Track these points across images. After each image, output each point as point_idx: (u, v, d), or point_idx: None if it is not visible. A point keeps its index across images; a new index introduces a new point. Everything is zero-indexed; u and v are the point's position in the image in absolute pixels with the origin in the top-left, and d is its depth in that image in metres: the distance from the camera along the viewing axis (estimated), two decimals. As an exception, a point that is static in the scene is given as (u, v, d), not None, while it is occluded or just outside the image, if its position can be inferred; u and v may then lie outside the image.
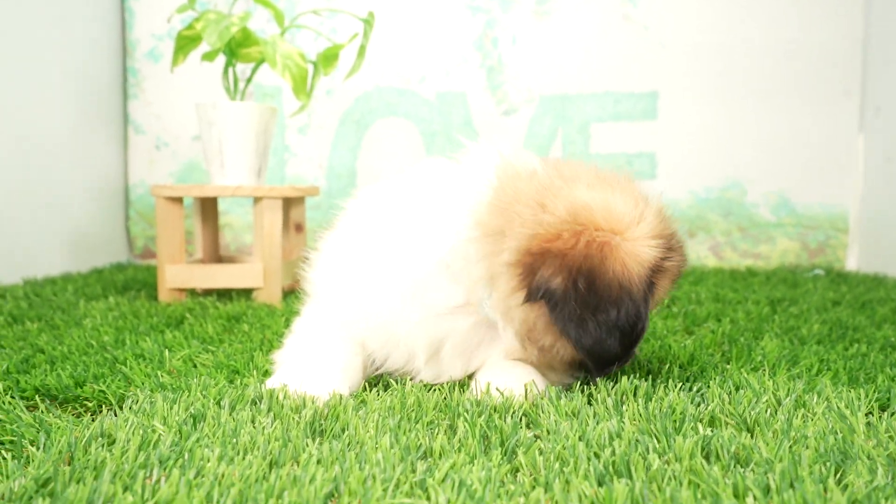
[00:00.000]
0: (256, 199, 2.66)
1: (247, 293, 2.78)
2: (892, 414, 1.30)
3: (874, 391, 1.39)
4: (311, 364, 1.41)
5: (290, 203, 2.93)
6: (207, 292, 2.80)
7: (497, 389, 1.32)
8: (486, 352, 1.45)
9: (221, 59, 2.77)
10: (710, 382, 1.45)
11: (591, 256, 1.28)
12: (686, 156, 3.92)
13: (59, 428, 1.17)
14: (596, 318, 1.28)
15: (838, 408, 1.27)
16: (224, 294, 2.77)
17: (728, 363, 1.70)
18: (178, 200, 2.65)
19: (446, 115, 3.92)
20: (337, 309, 1.49)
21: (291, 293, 2.76)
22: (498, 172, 1.40)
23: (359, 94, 3.91)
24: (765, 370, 1.61)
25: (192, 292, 2.76)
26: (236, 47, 2.69)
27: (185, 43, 2.71)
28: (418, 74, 3.91)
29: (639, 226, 1.32)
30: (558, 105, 3.90)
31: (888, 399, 1.37)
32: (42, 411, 1.28)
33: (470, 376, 1.49)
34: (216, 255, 3.01)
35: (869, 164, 3.80)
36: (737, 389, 1.40)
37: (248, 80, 2.80)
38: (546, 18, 3.87)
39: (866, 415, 1.27)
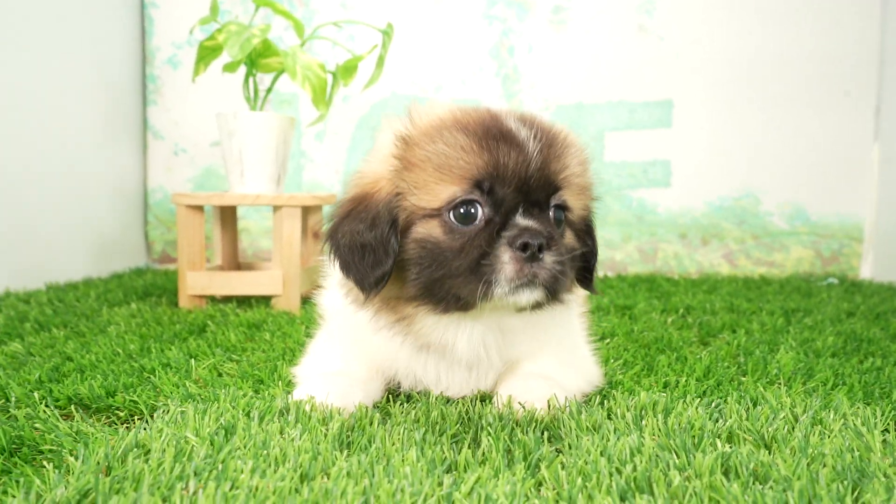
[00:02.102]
0: (276, 208, 2.70)
1: (266, 300, 2.81)
2: (908, 431, 1.31)
3: (890, 408, 1.41)
4: (334, 378, 1.44)
5: (308, 210, 2.97)
6: (226, 298, 2.84)
7: (519, 403, 1.35)
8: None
9: (242, 69, 2.81)
10: (728, 397, 1.47)
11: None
12: (700, 164, 3.93)
13: (95, 438, 1.21)
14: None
15: (855, 425, 1.29)
16: (243, 301, 2.81)
17: (744, 376, 1.72)
18: (199, 208, 2.69)
19: (461, 122, 3.94)
20: (348, 338, 1.53)
21: (309, 299, 2.79)
22: None
23: (375, 101, 3.95)
24: (780, 384, 1.63)
25: (212, 298, 2.80)
26: (257, 58, 2.73)
27: (207, 53, 2.75)
28: (434, 83, 3.94)
29: None
30: (573, 114, 3.93)
31: (904, 416, 1.38)
32: (77, 420, 1.32)
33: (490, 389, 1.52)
34: (235, 262, 3.06)
35: (884, 173, 3.80)
36: (754, 405, 1.42)
37: (269, 90, 2.84)
38: (562, 28, 3.90)
39: (882, 432, 1.29)
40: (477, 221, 1.26)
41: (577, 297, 1.77)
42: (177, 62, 3.94)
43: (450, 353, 1.40)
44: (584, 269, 1.45)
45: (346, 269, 1.34)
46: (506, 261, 1.22)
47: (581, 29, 3.89)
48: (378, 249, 1.29)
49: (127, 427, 1.33)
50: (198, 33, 3.68)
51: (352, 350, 1.52)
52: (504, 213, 1.26)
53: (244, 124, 2.69)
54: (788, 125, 3.88)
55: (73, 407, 1.41)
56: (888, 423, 1.34)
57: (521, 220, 1.26)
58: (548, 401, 1.36)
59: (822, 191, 3.91)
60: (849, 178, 3.89)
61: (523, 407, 1.34)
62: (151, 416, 1.36)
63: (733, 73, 3.87)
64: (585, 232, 1.45)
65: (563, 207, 1.35)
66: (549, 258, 1.24)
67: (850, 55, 3.82)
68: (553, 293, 1.28)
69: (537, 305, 1.31)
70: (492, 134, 1.27)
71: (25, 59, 2.98)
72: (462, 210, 1.26)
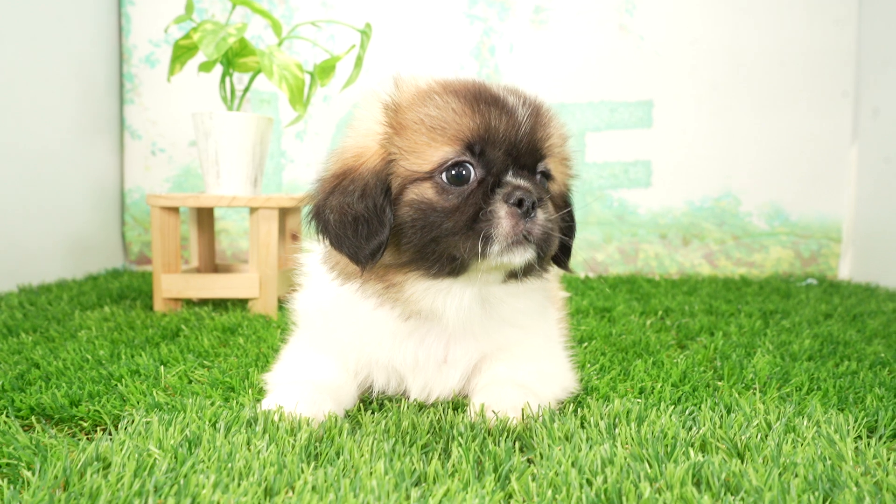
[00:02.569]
0: (252, 210, 2.66)
1: (242, 302, 2.78)
2: (880, 438, 1.31)
3: (863, 414, 1.41)
4: (305, 386, 1.41)
5: (286, 212, 2.93)
6: (203, 301, 2.80)
7: (493, 412, 1.33)
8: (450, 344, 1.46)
9: (218, 69, 2.77)
10: (702, 404, 1.46)
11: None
12: (681, 164, 3.93)
13: (55, 451, 1.17)
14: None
15: (827, 432, 1.28)
16: (219, 303, 2.77)
17: (720, 381, 1.71)
18: (174, 209, 2.65)
19: (442, 122, 3.92)
20: (324, 336, 1.51)
21: (284, 305, 2.76)
22: None
23: (356, 101, 3.92)
24: (756, 389, 1.63)
25: (188, 301, 2.76)
26: (233, 57, 2.70)
27: (182, 52, 2.71)
28: (415, 82, 3.92)
29: None
30: (554, 114, 3.91)
31: (876, 422, 1.38)
32: (38, 432, 1.29)
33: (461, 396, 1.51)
34: (212, 264, 3.02)
35: (863, 173, 3.82)
36: (728, 412, 1.41)
37: (246, 90, 2.80)
38: (543, 28, 3.88)
39: (855, 439, 1.29)
40: (469, 182, 1.28)
41: (556, 298, 1.76)
42: (154, 61, 3.89)
43: (438, 320, 1.39)
44: (561, 247, 1.45)
45: (339, 243, 1.33)
46: (502, 216, 1.25)
47: (562, 29, 3.88)
48: (372, 220, 1.29)
49: (89, 438, 1.30)
50: (174, 32, 3.63)
51: (326, 347, 1.50)
52: (495, 175, 1.29)
53: (220, 124, 2.65)
54: (768, 126, 3.89)
55: (34, 417, 1.38)
56: (860, 430, 1.34)
57: (513, 180, 1.29)
58: (521, 409, 1.34)
59: (801, 191, 3.93)
60: (827, 179, 3.91)
61: (496, 415, 1.32)
62: (115, 427, 1.33)
63: (713, 73, 3.88)
64: (564, 208, 1.48)
65: (547, 175, 1.39)
66: (541, 215, 1.28)
67: (829, 57, 3.83)
68: (543, 254, 1.30)
69: (527, 270, 1.33)
70: (483, 98, 1.30)
71: (-4, 58, 2.93)
72: (454, 172, 1.29)
